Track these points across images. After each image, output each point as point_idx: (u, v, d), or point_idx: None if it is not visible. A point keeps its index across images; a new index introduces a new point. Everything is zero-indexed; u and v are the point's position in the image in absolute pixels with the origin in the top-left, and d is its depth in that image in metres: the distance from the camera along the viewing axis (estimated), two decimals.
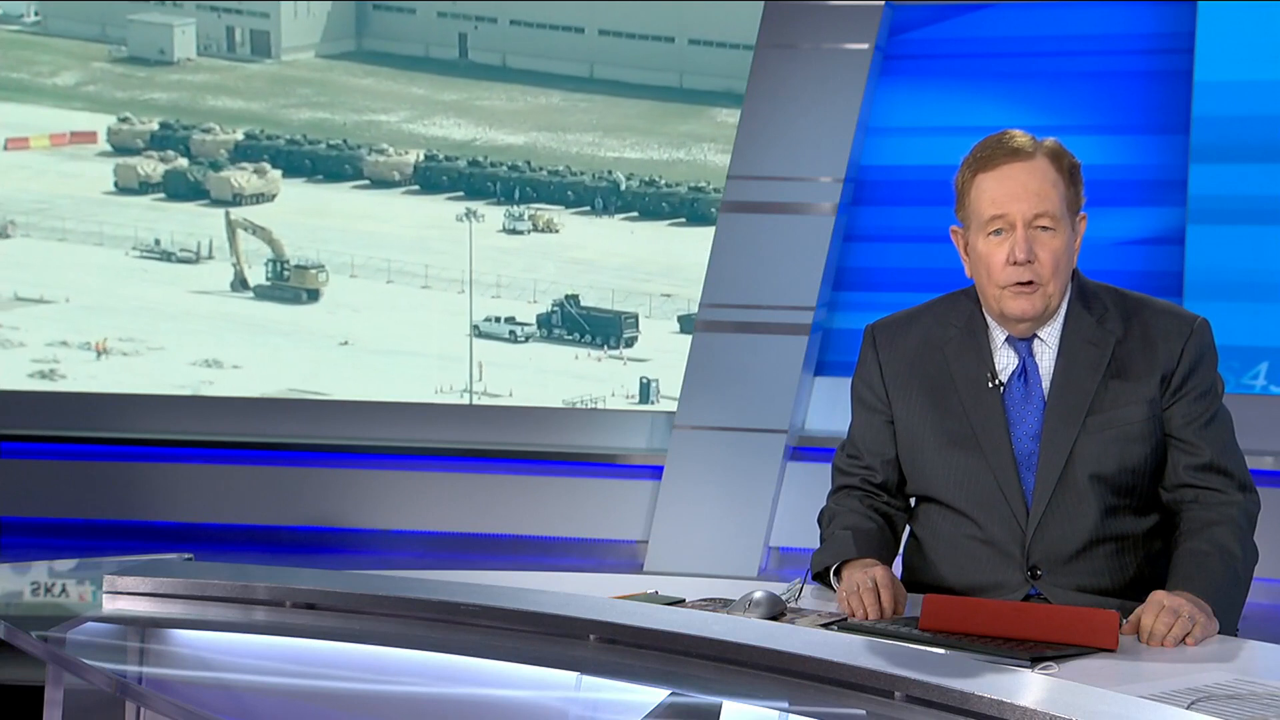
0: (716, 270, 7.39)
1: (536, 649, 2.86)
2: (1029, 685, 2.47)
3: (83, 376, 8.10)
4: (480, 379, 7.88)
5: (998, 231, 3.20)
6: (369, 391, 7.89)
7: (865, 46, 7.34)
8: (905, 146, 7.44)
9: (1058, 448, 3.22)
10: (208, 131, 8.25)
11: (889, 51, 7.48)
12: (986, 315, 3.30)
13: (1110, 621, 2.86)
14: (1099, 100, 7.29)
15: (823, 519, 3.42)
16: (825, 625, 3.03)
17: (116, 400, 7.92)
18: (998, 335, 3.30)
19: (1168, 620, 2.93)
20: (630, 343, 7.86)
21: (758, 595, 3.10)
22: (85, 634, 3.17)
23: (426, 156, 8.10)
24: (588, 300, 7.91)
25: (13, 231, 8.25)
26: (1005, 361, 3.29)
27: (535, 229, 7.97)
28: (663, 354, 7.80)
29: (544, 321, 7.93)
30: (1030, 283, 3.19)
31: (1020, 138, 3.23)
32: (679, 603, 3.18)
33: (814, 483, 5.30)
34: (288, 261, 8.10)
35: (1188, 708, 2.47)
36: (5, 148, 8.31)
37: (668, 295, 7.83)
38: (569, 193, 7.97)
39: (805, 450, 7.23)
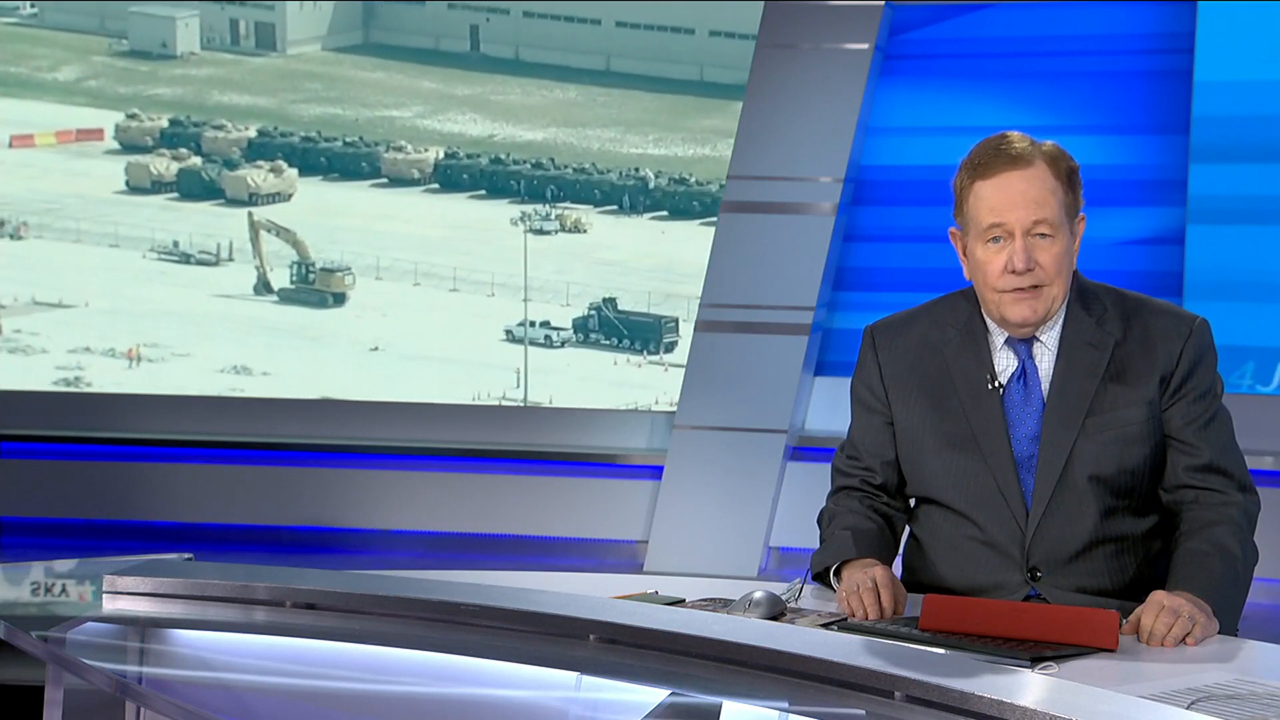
0: (716, 270, 7.39)
1: (536, 649, 2.86)
2: (1029, 685, 2.47)
3: (111, 386, 7.90)
4: (518, 386, 7.68)
5: (996, 239, 3.20)
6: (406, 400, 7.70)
7: (865, 46, 7.34)
8: (905, 146, 7.44)
9: (1057, 449, 3.22)
10: (220, 128, 8.09)
11: (889, 51, 7.48)
12: (985, 317, 3.30)
13: (1110, 622, 2.86)
14: (1099, 100, 7.29)
15: (822, 519, 3.42)
16: (825, 625, 3.03)
17: (116, 400, 7.90)
18: (997, 337, 3.30)
19: (1168, 620, 2.93)
20: (670, 348, 7.69)
21: (758, 595, 3.10)
22: (85, 634, 3.17)
23: (447, 154, 7.93)
24: (624, 304, 7.74)
25: (25, 233, 8.08)
26: (1005, 363, 3.29)
27: (563, 229, 7.81)
28: None
29: (580, 326, 7.75)
30: (1032, 287, 3.19)
31: (1019, 143, 3.21)
32: (679, 603, 3.18)
33: (814, 483, 5.30)
34: (313, 264, 7.91)
35: (1188, 708, 2.47)
36: (10, 145, 8.16)
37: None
38: (596, 191, 7.79)
39: (805, 450, 7.23)
